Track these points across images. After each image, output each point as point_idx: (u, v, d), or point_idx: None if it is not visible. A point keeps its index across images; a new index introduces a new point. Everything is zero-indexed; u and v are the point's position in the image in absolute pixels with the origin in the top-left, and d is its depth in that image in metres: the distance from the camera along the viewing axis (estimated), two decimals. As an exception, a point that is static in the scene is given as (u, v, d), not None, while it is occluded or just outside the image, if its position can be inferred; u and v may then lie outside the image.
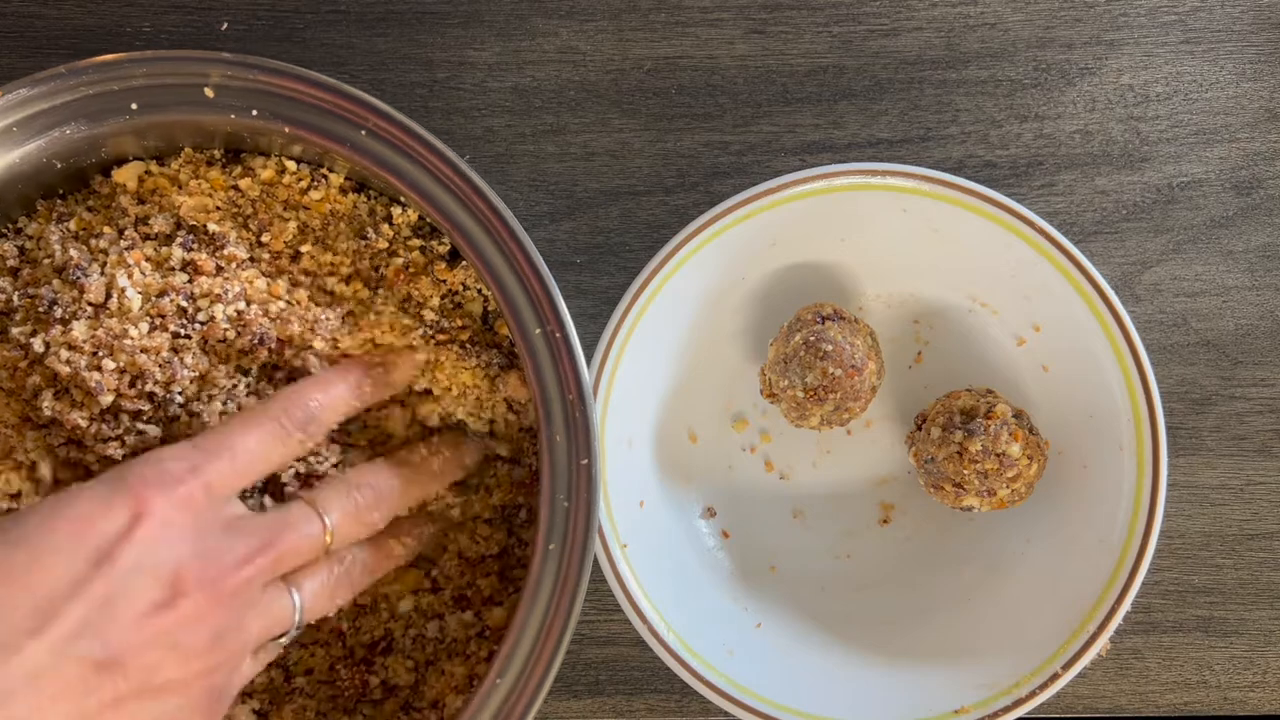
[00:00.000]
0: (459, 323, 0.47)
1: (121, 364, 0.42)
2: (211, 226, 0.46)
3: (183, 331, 0.44)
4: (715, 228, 0.50)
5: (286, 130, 0.44)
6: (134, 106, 0.44)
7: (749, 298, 0.54)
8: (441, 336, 0.47)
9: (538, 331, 0.44)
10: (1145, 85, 0.56)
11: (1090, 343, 0.50)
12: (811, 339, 0.48)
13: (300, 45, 0.55)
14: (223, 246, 0.46)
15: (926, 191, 0.50)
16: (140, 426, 0.43)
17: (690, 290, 0.52)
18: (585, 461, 0.43)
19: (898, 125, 0.56)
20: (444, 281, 0.47)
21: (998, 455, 0.48)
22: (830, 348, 0.48)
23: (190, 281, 0.45)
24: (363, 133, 0.44)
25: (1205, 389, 0.56)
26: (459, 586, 0.48)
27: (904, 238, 0.52)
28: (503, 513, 0.49)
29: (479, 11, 0.55)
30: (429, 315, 0.47)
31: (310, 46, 0.55)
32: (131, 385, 0.43)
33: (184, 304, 0.44)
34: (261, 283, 0.46)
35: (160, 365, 0.43)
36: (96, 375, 0.42)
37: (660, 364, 0.53)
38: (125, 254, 0.45)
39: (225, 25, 0.55)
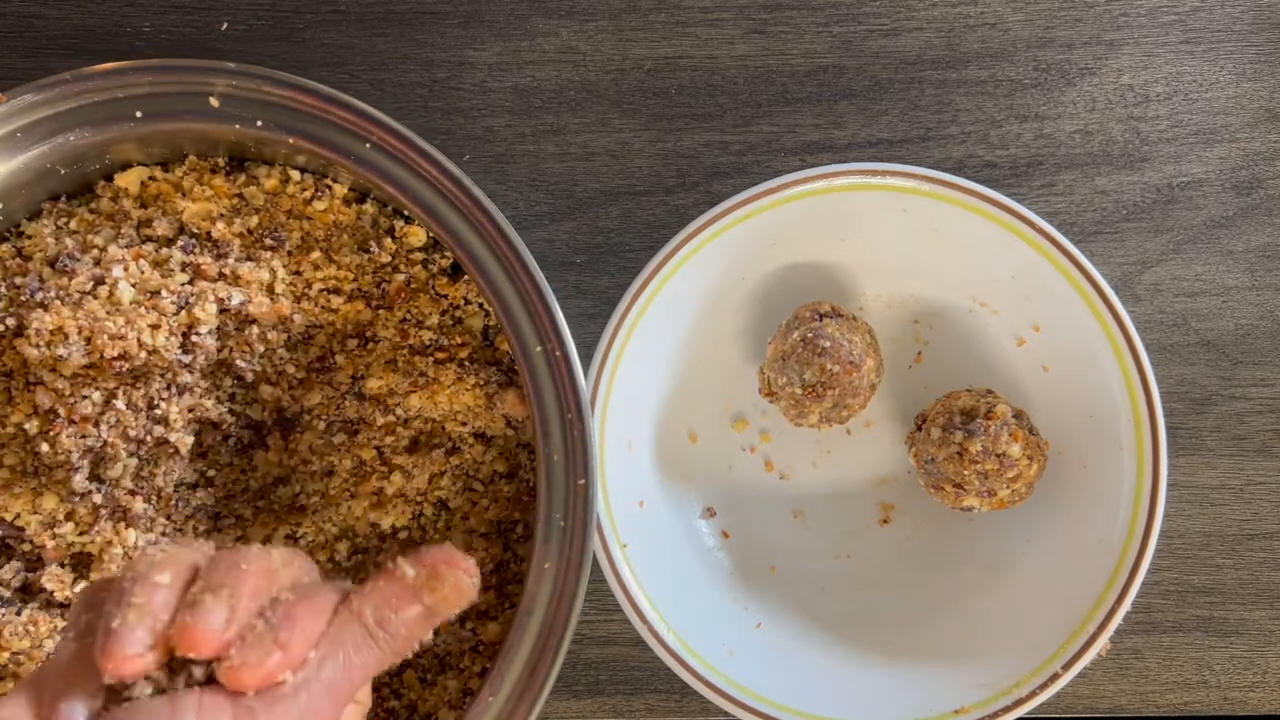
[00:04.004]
0: (458, 340, 0.47)
1: (99, 343, 0.42)
2: (215, 233, 0.46)
3: (173, 324, 0.44)
4: (715, 228, 0.50)
5: (291, 141, 0.44)
6: (139, 114, 0.44)
7: (749, 298, 0.54)
8: (440, 355, 0.47)
9: (538, 349, 0.44)
10: (1145, 85, 0.56)
11: (1090, 343, 0.50)
12: (809, 336, 0.48)
13: (300, 45, 0.55)
14: (226, 254, 0.46)
15: (926, 191, 0.50)
16: (118, 405, 0.43)
17: (690, 290, 0.51)
18: (583, 481, 0.43)
19: (898, 125, 0.56)
20: (445, 296, 0.47)
21: (998, 455, 0.48)
22: (828, 344, 0.48)
23: (191, 283, 0.45)
24: (367, 145, 0.44)
25: (1205, 389, 0.56)
26: None
27: (904, 238, 0.52)
28: (498, 528, 0.49)
29: (479, 11, 0.55)
30: (427, 334, 0.47)
31: (310, 47, 0.55)
32: (110, 363, 0.43)
33: (179, 304, 0.44)
34: (264, 299, 0.46)
35: (140, 345, 0.43)
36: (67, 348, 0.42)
37: (660, 364, 0.53)
38: (124, 251, 0.45)
39: (225, 25, 0.55)
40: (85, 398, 0.44)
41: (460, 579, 0.33)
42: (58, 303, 0.43)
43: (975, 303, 0.54)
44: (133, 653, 0.29)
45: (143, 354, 0.43)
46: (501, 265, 0.44)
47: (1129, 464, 0.50)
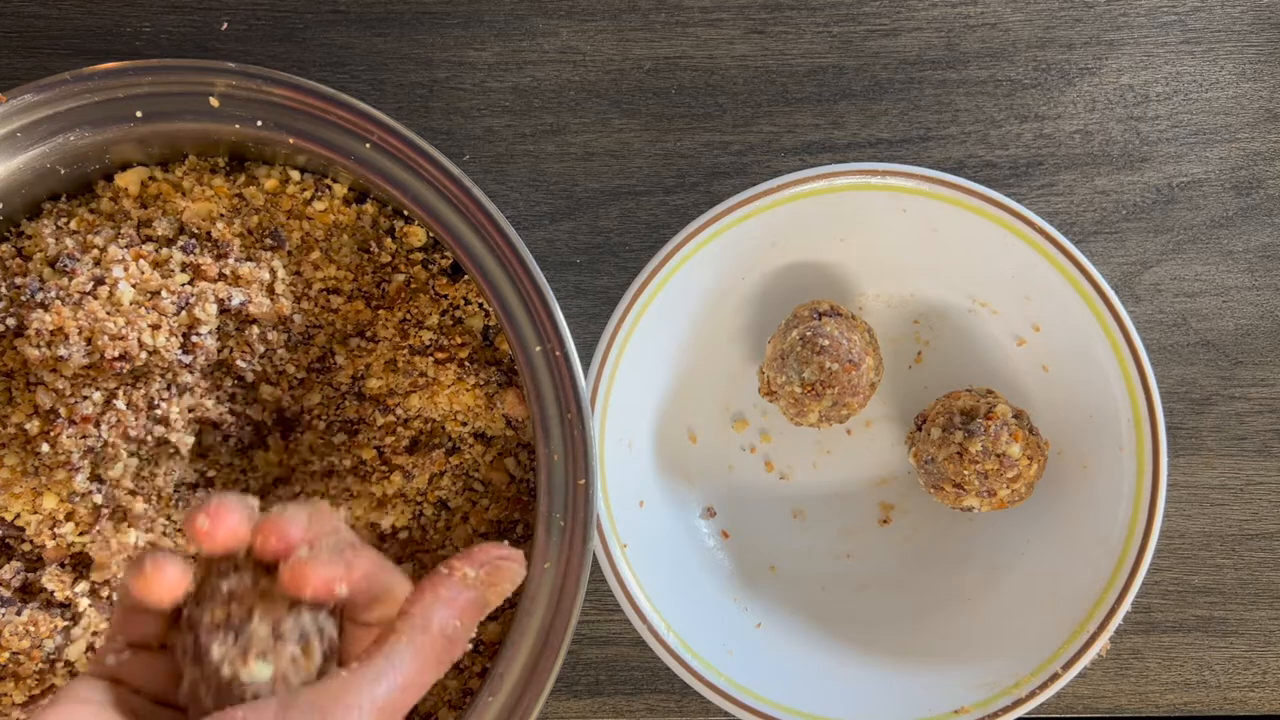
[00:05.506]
0: (458, 340, 0.47)
1: (100, 343, 0.42)
2: (215, 233, 0.46)
3: (173, 324, 0.44)
4: (715, 228, 0.50)
5: (291, 141, 0.44)
6: (139, 114, 0.44)
7: (749, 298, 0.54)
8: (440, 355, 0.47)
9: (538, 349, 0.44)
10: (1145, 85, 0.56)
11: (1090, 343, 0.50)
12: (808, 334, 0.48)
13: (300, 45, 0.55)
14: (226, 254, 0.46)
15: (926, 191, 0.50)
16: (118, 404, 0.43)
17: (690, 290, 0.52)
18: (583, 481, 0.43)
19: (898, 125, 0.56)
20: (445, 296, 0.47)
21: (998, 455, 0.48)
22: (827, 342, 0.48)
23: (191, 283, 0.45)
24: (367, 145, 0.44)
25: (1205, 389, 0.56)
26: None
27: (904, 238, 0.52)
28: (498, 527, 0.49)
29: (479, 11, 0.55)
30: (427, 335, 0.47)
31: (310, 46, 0.55)
32: (110, 364, 0.43)
33: (180, 304, 0.44)
34: (264, 299, 0.46)
35: (140, 345, 0.43)
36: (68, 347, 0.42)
37: (660, 364, 0.53)
38: (124, 251, 0.45)
39: (225, 25, 0.55)
40: (85, 398, 0.44)
41: (515, 568, 0.35)
42: (58, 303, 0.43)
43: (975, 303, 0.54)
44: (235, 522, 0.32)
45: (143, 354, 0.43)
46: (501, 265, 0.44)
47: (1129, 464, 0.50)
